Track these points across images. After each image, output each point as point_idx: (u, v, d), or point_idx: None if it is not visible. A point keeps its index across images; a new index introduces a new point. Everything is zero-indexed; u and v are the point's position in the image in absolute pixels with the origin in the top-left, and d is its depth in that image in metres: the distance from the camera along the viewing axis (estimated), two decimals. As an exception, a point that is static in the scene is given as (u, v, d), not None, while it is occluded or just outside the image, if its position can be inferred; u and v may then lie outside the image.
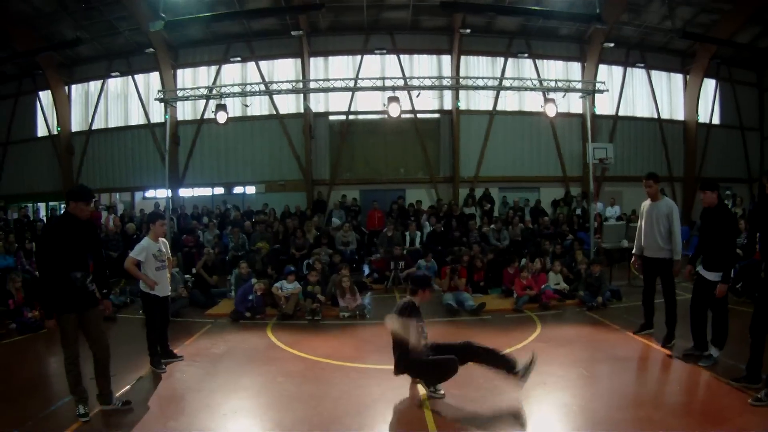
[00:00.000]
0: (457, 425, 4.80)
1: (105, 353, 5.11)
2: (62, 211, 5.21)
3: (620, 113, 21.70)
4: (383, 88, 16.09)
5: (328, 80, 16.53)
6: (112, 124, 21.40)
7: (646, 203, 7.35)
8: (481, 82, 16.03)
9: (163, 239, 6.75)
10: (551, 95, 15.91)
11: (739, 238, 11.80)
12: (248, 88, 16.27)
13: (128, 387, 5.75)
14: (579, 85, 16.66)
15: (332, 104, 20.43)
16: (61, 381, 5.11)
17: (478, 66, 20.62)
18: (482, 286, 11.29)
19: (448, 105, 20.43)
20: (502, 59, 20.64)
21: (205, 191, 20.93)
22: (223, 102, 15.61)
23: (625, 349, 7.12)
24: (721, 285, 5.96)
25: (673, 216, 7.03)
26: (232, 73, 20.49)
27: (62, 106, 21.05)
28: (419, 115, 20.21)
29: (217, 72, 20.43)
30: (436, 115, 20.66)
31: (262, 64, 20.29)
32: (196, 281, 10.98)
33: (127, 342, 7.29)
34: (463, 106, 20.21)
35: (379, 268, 12.82)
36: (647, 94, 22.21)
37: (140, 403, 5.27)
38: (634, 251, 7.67)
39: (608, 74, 21.17)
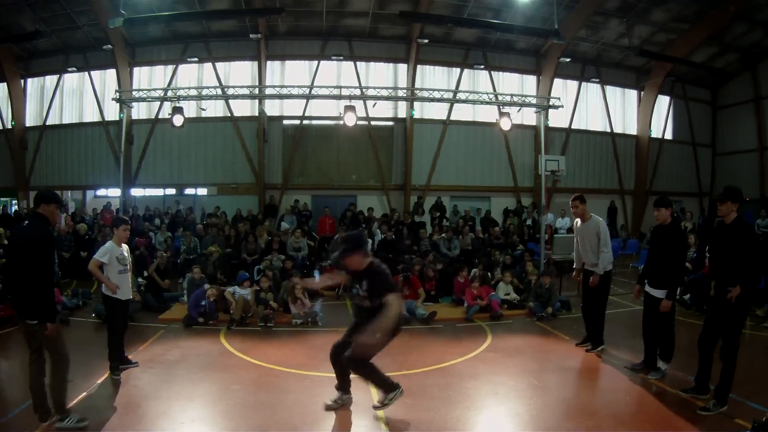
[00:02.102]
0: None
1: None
2: (31, 216, 4.98)
3: (573, 126, 22.07)
4: (339, 97, 16.13)
5: (285, 86, 16.48)
6: (66, 120, 21.10)
7: (578, 222, 7.63)
8: (437, 94, 16.14)
9: (125, 244, 6.71)
10: (506, 109, 16.06)
11: (689, 252, 12.19)
12: (205, 91, 16.23)
13: (85, 394, 5.69)
14: (534, 100, 16.89)
15: (287, 108, 20.41)
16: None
17: (434, 76, 20.79)
18: (433, 294, 11.29)
19: (402, 113, 20.55)
20: (458, 70, 20.87)
21: (157, 192, 20.80)
22: (179, 104, 15.46)
23: (574, 360, 7.30)
24: (665, 301, 6.13)
25: (600, 233, 7.27)
26: (189, 73, 20.37)
27: (17, 99, 20.66)
28: (373, 122, 20.30)
29: (174, 72, 20.29)
30: (390, 123, 20.79)
31: (219, 65, 20.21)
32: (149, 285, 10.89)
33: (81, 347, 7.11)
34: (417, 114, 20.33)
35: (330, 274, 12.82)
36: (601, 108, 22.63)
37: (99, 411, 5.23)
38: (574, 265, 7.94)
39: (563, 88, 21.51)
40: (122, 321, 6.58)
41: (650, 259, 6.62)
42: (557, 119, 21.11)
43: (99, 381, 6.11)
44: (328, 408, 5.27)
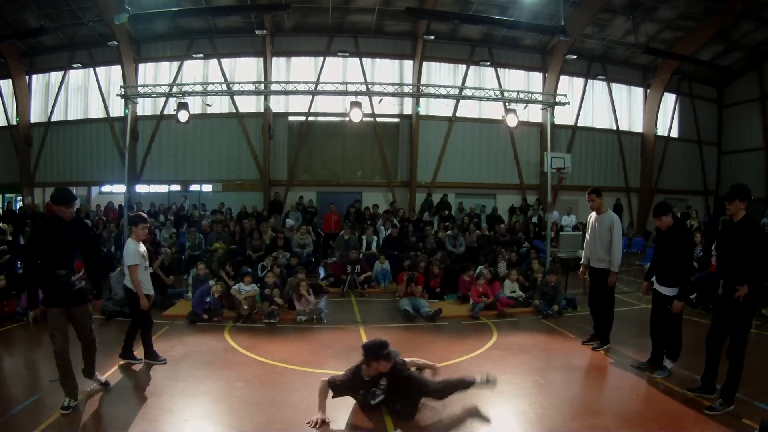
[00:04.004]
0: (417, 430, 4.86)
1: (93, 346, 5.62)
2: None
3: (579, 124, 22.04)
4: (345, 93, 16.07)
5: (290, 83, 16.45)
6: (71, 117, 21.16)
7: (593, 215, 7.54)
8: (443, 91, 16.06)
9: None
10: (512, 106, 15.93)
11: (695, 251, 12.08)
12: (210, 87, 16.19)
13: (89, 390, 5.69)
14: (540, 97, 16.78)
15: (292, 105, 20.42)
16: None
17: (440, 72, 20.79)
18: (438, 292, 11.25)
19: (408, 110, 20.50)
20: (464, 67, 20.84)
21: (162, 188, 20.78)
22: (184, 100, 15.33)
23: (580, 358, 7.23)
24: (676, 302, 6.09)
25: (613, 229, 7.18)
26: (194, 69, 20.38)
27: (22, 96, 20.76)
28: (379, 119, 20.23)
29: (179, 68, 20.31)
30: (396, 120, 20.75)
31: (225, 62, 20.22)
32: (153, 281, 10.84)
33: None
34: (423, 111, 20.33)
35: (335, 271, 12.83)
36: (607, 106, 22.60)
37: (102, 407, 5.28)
38: (582, 261, 7.87)
39: (569, 85, 21.46)
40: (145, 316, 6.65)
41: (657, 257, 6.58)
42: (563, 116, 21.10)
43: (102, 378, 6.06)
44: None
